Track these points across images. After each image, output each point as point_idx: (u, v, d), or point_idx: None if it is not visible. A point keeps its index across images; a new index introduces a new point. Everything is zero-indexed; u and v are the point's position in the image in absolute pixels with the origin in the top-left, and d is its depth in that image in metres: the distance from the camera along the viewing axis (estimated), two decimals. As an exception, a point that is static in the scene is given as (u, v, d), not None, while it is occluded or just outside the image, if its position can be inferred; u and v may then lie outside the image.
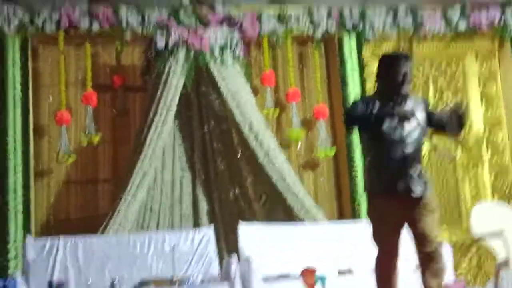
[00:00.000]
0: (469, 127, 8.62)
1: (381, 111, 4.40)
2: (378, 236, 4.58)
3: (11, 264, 7.02)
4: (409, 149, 4.47)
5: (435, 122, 4.61)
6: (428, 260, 4.52)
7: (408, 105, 4.52)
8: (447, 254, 6.81)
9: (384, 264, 4.58)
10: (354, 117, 4.46)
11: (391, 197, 4.48)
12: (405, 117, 4.45)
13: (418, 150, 4.54)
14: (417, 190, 4.47)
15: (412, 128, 4.50)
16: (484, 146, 8.64)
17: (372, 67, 8.56)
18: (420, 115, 4.53)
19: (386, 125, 4.44)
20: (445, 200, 8.39)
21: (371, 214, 4.66)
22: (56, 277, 6.45)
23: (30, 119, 7.63)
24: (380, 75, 4.62)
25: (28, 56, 7.74)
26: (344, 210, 8.17)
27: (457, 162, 8.50)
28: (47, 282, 6.27)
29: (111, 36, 7.87)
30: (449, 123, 4.48)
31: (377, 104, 4.43)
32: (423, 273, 4.56)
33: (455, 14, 8.48)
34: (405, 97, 4.52)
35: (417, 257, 4.55)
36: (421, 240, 4.49)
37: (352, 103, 4.63)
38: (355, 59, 8.32)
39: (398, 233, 4.56)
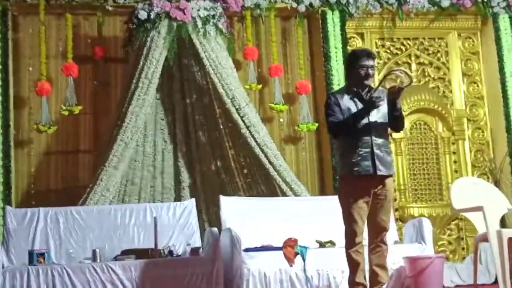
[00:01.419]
0: (451, 103, 8.68)
1: (358, 113, 5.05)
2: (348, 215, 5.08)
3: (-8, 233, 6.98)
4: (374, 133, 5.04)
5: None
6: (377, 246, 5.14)
7: (374, 95, 5.03)
8: (427, 229, 6.88)
9: (352, 241, 5.06)
10: (338, 131, 5.15)
11: (359, 177, 5.02)
12: (376, 105, 4.98)
13: (384, 134, 5.13)
14: (382, 169, 5.03)
15: (378, 116, 5.07)
16: (465, 122, 8.70)
17: (355, 43, 8.60)
18: (384, 104, 5.07)
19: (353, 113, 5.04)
20: (426, 174, 8.45)
21: (341, 195, 5.19)
22: (36, 247, 6.42)
23: (10, 89, 7.55)
24: (348, 69, 5.30)
25: (8, 26, 7.65)
26: (326, 185, 8.19)
27: (438, 137, 8.55)
28: (28, 251, 6.21)
29: (92, 6, 7.79)
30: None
31: (346, 100, 5.11)
32: (370, 253, 5.15)
33: (438, -9, 8.51)
34: (369, 89, 5.13)
35: (368, 240, 5.16)
36: (378, 231, 5.14)
37: (328, 111, 5.15)
38: (339, 35, 8.31)
39: (366, 210, 5.07)
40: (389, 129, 5.22)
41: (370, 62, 5.14)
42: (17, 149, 7.67)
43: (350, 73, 5.25)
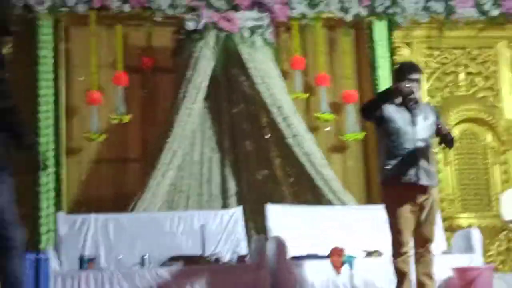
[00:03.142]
0: (500, 113, 8.57)
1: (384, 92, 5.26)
2: (393, 224, 5.08)
3: (43, 238, 7.11)
4: (419, 144, 5.07)
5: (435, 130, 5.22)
6: (422, 256, 5.15)
7: (420, 109, 5.14)
8: (476, 239, 6.81)
9: (398, 251, 5.05)
10: (367, 111, 5.22)
11: (403, 187, 5.04)
12: (409, 99, 5.07)
13: (428, 145, 5.16)
14: (426, 179, 5.05)
15: (423, 126, 5.12)
16: (515, 131, 8.60)
17: (403, 52, 8.56)
18: (431, 118, 5.18)
19: (400, 121, 5.08)
20: (475, 185, 8.35)
21: (386, 203, 5.18)
22: (87, 253, 6.53)
23: (61, 99, 7.71)
24: (394, 82, 5.31)
25: (60, 37, 7.82)
26: (372, 194, 8.15)
27: (487, 147, 8.45)
28: (78, 256, 6.33)
29: (142, 17, 7.91)
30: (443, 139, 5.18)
31: (392, 109, 5.13)
32: (417, 263, 5.16)
33: (487, 0, 8.42)
34: (416, 102, 5.13)
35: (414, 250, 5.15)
36: (423, 242, 5.14)
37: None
38: (386, 44, 8.29)
39: (412, 219, 5.07)
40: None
41: (417, 76, 5.19)
42: (68, 157, 7.81)
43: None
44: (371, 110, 5.16)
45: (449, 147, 5.32)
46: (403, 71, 5.25)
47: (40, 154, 3.88)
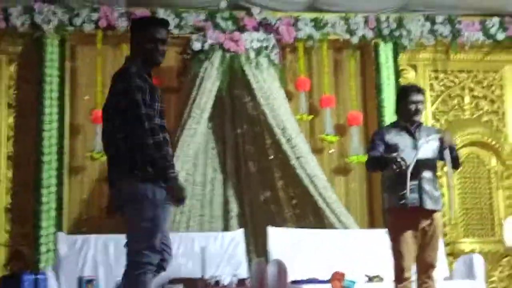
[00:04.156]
0: (505, 137, 8.53)
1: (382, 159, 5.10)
2: (395, 249, 5.05)
3: (42, 258, 7.11)
4: (423, 168, 5.03)
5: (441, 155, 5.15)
6: (424, 282, 5.11)
7: (423, 132, 5.14)
8: (478, 265, 6.76)
9: (400, 276, 5.02)
10: (371, 166, 5.30)
11: (406, 211, 4.99)
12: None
13: (432, 169, 5.13)
14: (429, 203, 5.02)
15: (426, 149, 5.05)
16: (520, 156, 8.55)
17: (408, 75, 8.54)
18: (434, 140, 5.09)
19: (402, 146, 5.07)
20: (478, 209, 8.30)
21: (389, 228, 5.19)
22: (86, 274, 6.52)
23: (66, 117, 7.73)
24: (397, 104, 5.32)
25: (66, 55, 7.84)
26: (375, 218, 8.11)
27: (491, 172, 8.40)
28: (77, 277, 6.32)
29: (148, 37, 7.92)
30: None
31: (394, 134, 5.15)
32: None
33: (494, 24, 8.41)
34: (418, 125, 5.18)
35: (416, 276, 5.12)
36: (425, 268, 5.10)
37: (371, 145, 5.28)
38: (391, 67, 8.27)
39: (414, 245, 5.04)
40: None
41: (419, 98, 5.20)
42: (71, 176, 7.82)
43: (400, 108, 5.30)
44: (373, 170, 5.34)
45: (456, 168, 5.29)
46: (405, 92, 5.26)
47: (182, 186, 4.09)
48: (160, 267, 4.13)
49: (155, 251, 4.02)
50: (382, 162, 5.09)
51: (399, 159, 4.90)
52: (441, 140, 5.15)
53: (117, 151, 4.07)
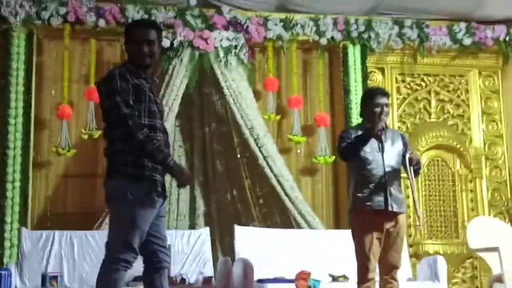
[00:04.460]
0: (470, 141, 8.65)
1: (361, 136, 5.06)
2: (359, 251, 5.05)
3: (6, 254, 7.00)
4: (387, 170, 5.05)
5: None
6: (387, 283, 5.11)
7: (387, 135, 5.12)
8: (441, 267, 6.84)
9: (363, 277, 5.03)
10: (347, 153, 5.16)
11: (371, 213, 5.00)
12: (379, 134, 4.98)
13: (396, 172, 5.14)
14: (394, 206, 5.03)
15: (391, 153, 5.11)
16: (483, 160, 8.65)
17: (376, 78, 8.62)
18: (399, 144, 5.19)
19: (368, 148, 5.04)
20: (442, 211, 8.40)
21: (353, 230, 5.16)
22: (50, 270, 6.45)
23: (31, 111, 7.61)
24: (363, 107, 5.30)
25: (33, 49, 7.73)
26: (341, 218, 8.15)
27: (455, 175, 8.51)
28: (41, 273, 6.24)
29: (116, 33, 7.85)
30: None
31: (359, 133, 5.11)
32: None
33: (460, 29, 8.52)
34: (384, 128, 5.04)
35: (379, 277, 5.12)
36: (389, 269, 5.10)
37: (340, 141, 5.22)
38: (359, 69, 8.33)
39: (378, 246, 5.04)
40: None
41: (384, 100, 5.18)
42: (36, 171, 7.70)
43: (365, 111, 5.27)
44: (353, 154, 5.10)
45: (415, 176, 5.27)
46: (371, 95, 5.26)
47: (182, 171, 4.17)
48: (160, 267, 4.23)
49: (131, 249, 4.05)
50: (360, 139, 5.03)
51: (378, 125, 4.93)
52: (406, 143, 5.24)
53: (105, 150, 4.18)
